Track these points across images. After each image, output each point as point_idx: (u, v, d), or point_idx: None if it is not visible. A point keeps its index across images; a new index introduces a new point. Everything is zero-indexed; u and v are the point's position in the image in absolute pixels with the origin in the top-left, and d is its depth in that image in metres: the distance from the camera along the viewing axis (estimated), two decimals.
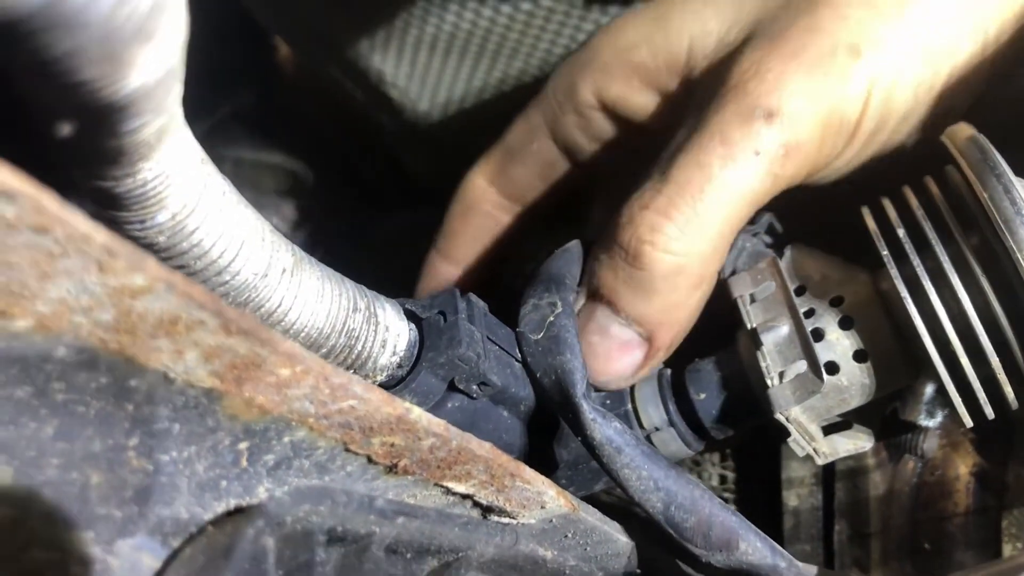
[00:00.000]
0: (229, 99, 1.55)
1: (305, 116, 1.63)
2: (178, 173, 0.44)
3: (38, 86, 0.32)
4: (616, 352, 0.69)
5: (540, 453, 0.70)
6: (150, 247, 0.47)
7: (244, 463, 0.42)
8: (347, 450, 0.45)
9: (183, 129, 0.44)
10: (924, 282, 0.60)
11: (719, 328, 0.73)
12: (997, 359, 0.59)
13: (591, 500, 0.69)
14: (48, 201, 0.30)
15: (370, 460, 0.46)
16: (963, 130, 0.62)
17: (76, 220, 0.31)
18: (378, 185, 1.55)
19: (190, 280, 0.35)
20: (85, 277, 0.32)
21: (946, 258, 0.60)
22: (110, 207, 0.44)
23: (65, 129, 0.34)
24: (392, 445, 0.46)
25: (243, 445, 0.41)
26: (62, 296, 0.33)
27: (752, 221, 0.75)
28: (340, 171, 1.61)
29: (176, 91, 0.39)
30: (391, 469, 0.47)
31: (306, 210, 1.48)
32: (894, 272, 0.61)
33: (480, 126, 1.29)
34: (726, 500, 0.89)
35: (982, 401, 0.61)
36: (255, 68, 1.61)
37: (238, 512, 0.41)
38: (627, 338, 0.68)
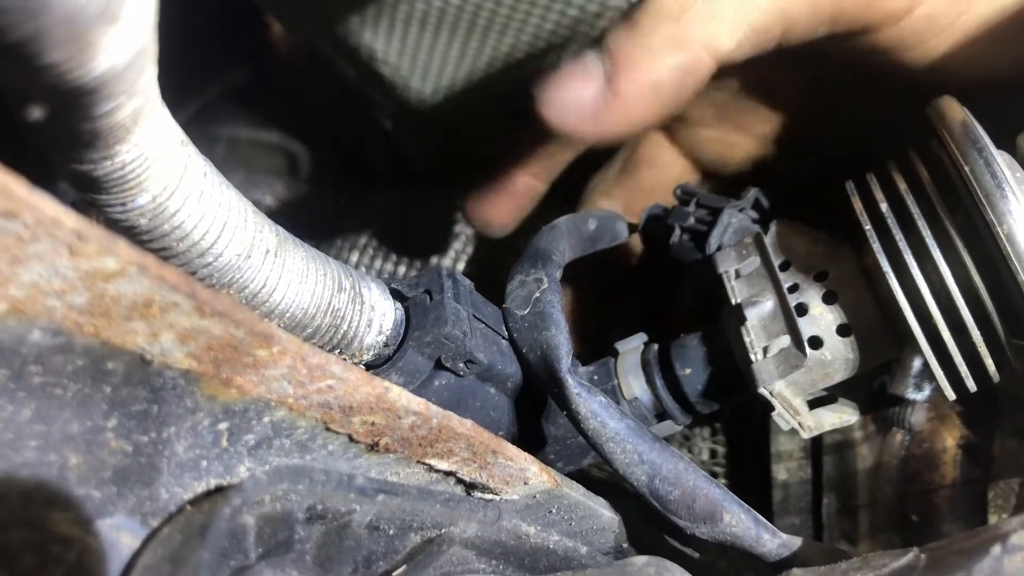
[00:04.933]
0: (221, 78, 1.54)
1: (299, 95, 1.63)
2: (157, 155, 0.45)
3: (4, 70, 0.32)
4: (575, 74, 0.69)
5: (528, 429, 0.71)
6: (131, 230, 0.47)
7: (224, 443, 0.42)
8: (328, 429, 0.45)
9: (161, 111, 0.44)
10: (906, 256, 0.60)
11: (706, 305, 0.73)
12: (978, 333, 0.59)
13: (581, 476, 0.70)
14: (16, 186, 0.30)
15: (351, 439, 0.47)
16: (946, 103, 0.62)
17: (45, 204, 0.31)
18: (372, 164, 1.55)
19: (163, 262, 0.35)
20: (56, 261, 0.33)
21: (928, 232, 0.60)
22: (90, 190, 0.45)
23: (36, 113, 0.35)
24: (372, 424, 0.46)
25: (223, 425, 0.42)
26: (34, 280, 0.33)
27: (738, 196, 0.75)
28: (334, 150, 1.61)
29: (150, 73, 0.39)
30: (372, 447, 0.48)
31: (299, 189, 1.48)
32: (877, 247, 0.61)
33: (472, 102, 1.29)
34: (716, 474, 0.89)
35: (964, 375, 0.61)
36: (247, 46, 1.60)
37: (218, 491, 0.42)
38: (591, 66, 0.68)
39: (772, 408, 0.65)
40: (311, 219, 1.23)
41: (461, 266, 1.08)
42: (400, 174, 1.45)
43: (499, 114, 1.30)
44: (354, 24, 1.22)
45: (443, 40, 1.22)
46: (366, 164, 1.56)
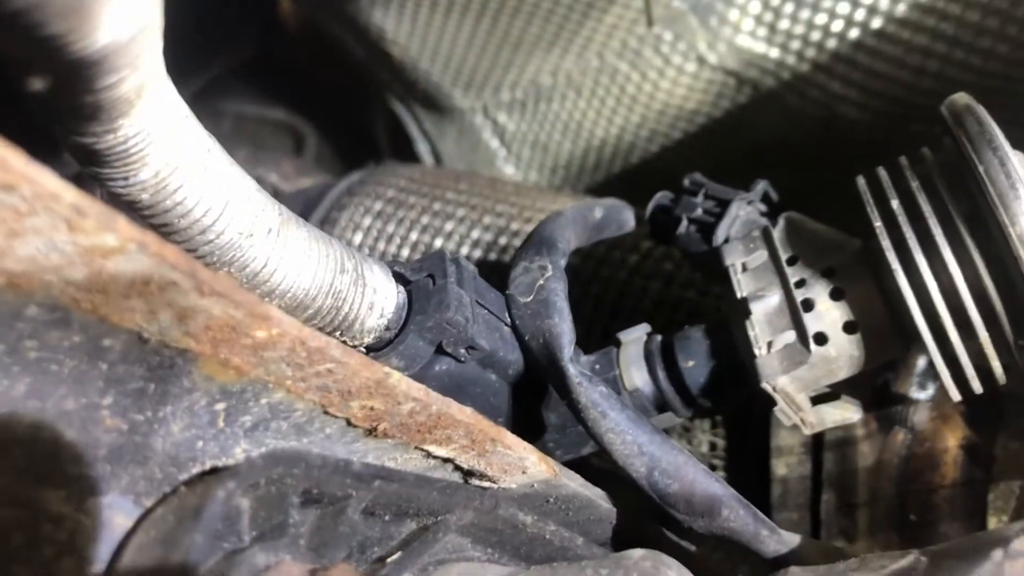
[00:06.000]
0: (228, 53, 1.53)
1: (307, 72, 1.62)
2: (160, 130, 0.44)
3: (7, 40, 0.31)
4: None
5: (528, 416, 0.70)
6: (133, 205, 0.47)
7: (221, 424, 0.42)
8: (326, 413, 0.45)
9: (165, 86, 0.44)
10: (916, 255, 0.59)
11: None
12: (986, 333, 0.59)
13: (580, 464, 0.69)
14: (14, 159, 0.30)
15: (349, 423, 0.46)
16: (962, 100, 0.61)
17: (44, 178, 0.31)
18: (378, 142, 1.54)
19: (163, 240, 0.34)
20: (55, 236, 0.32)
21: (939, 231, 0.59)
22: (92, 164, 0.44)
23: (37, 84, 0.34)
24: (371, 409, 0.46)
25: (220, 406, 0.41)
26: (31, 254, 0.32)
27: (747, 189, 0.75)
28: (341, 128, 1.60)
29: (154, 48, 0.38)
30: (371, 432, 0.47)
31: (304, 167, 1.47)
32: (886, 244, 0.61)
33: (481, 86, 1.28)
34: (715, 467, 0.89)
35: (970, 376, 0.61)
36: (255, 22, 1.59)
37: (213, 473, 0.41)
38: None
39: (774, 403, 0.65)
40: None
41: (464, 250, 1.07)
42: (406, 154, 1.45)
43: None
44: (364, 3, 1.21)
45: (453, 22, 1.21)
46: (372, 143, 1.55)
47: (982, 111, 0.59)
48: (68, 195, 0.31)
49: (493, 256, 1.06)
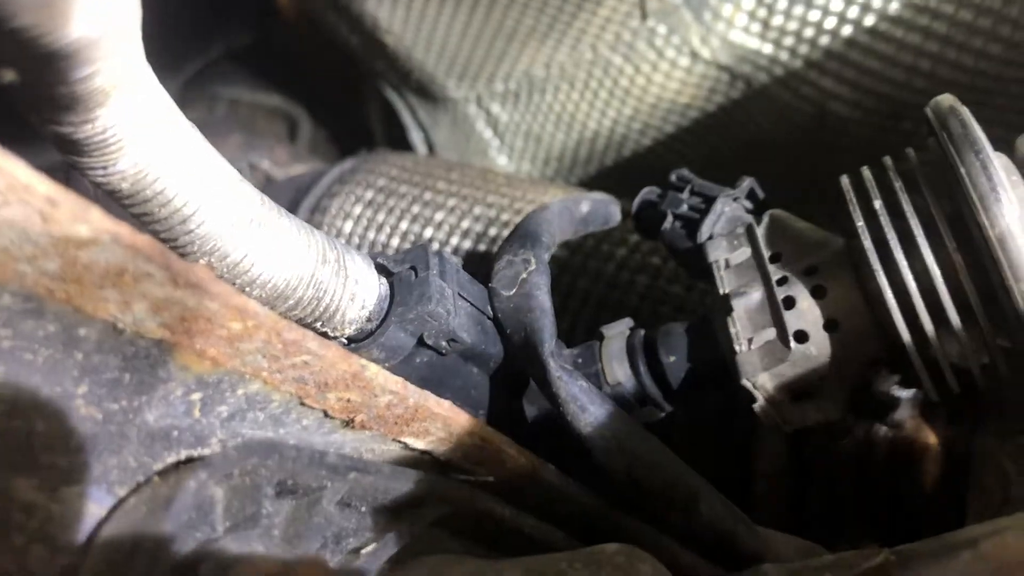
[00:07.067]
0: (225, 38, 1.53)
1: (302, 59, 1.62)
2: (139, 120, 0.44)
3: None
4: None
5: (509, 409, 0.71)
6: (113, 193, 0.47)
7: (197, 414, 0.42)
8: (302, 404, 0.45)
9: (145, 76, 0.44)
10: (897, 255, 0.60)
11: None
12: (965, 333, 0.59)
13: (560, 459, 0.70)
14: None
15: (326, 415, 0.46)
16: (946, 102, 0.61)
17: (17, 169, 0.31)
18: (372, 130, 1.54)
19: (137, 231, 0.35)
20: (28, 226, 0.32)
21: (920, 232, 0.59)
22: (71, 153, 0.44)
23: (8, 75, 0.34)
24: (348, 401, 0.46)
25: (196, 396, 0.42)
26: (5, 245, 0.33)
27: (733, 186, 0.75)
28: (335, 115, 1.60)
29: (131, 39, 0.38)
30: (348, 424, 0.47)
31: (298, 154, 1.47)
32: (868, 244, 0.61)
33: (475, 76, 1.28)
34: (696, 462, 0.89)
35: (948, 375, 0.61)
36: (252, 8, 1.59)
37: (188, 463, 0.41)
38: None
39: (755, 400, 0.65)
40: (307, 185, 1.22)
41: (455, 240, 1.07)
42: (399, 142, 1.45)
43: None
44: None
45: (447, 12, 1.21)
46: (366, 130, 1.55)
47: (966, 113, 0.59)
48: (42, 186, 0.31)
49: (483, 247, 1.06)
